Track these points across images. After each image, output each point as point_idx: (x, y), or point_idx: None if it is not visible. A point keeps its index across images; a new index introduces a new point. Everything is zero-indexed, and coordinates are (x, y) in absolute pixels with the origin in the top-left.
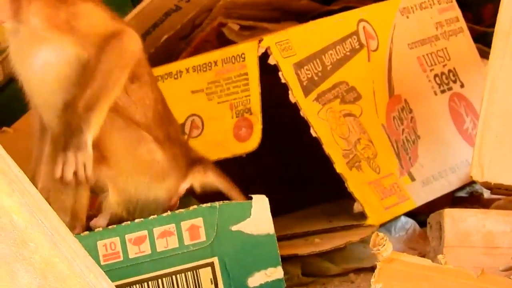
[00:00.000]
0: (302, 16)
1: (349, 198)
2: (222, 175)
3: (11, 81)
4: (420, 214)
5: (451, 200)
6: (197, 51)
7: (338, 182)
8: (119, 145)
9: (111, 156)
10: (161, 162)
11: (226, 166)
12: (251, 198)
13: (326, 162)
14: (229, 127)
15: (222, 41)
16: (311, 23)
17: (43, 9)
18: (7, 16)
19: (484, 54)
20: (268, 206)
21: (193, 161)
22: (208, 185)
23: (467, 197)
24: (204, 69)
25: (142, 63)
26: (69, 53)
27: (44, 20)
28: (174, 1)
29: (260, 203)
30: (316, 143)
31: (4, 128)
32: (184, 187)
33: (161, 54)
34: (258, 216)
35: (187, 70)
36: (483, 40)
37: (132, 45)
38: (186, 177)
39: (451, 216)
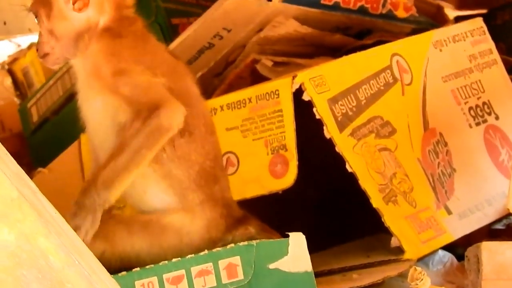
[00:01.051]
0: (335, 51)
1: (386, 233)
2: (263, 227)
3: (45, 122)
4: (457, 247)
5: (488, 232)
6: (231, 88)
7: (374, 216)
8: (141, 245)
9: (133, 255)
10: (191, 234)
11: (262, 203)
12: (287, 236)
13: (362, 196)
14: (264, 163)
15: (256, 77)
16: (345, 58)
17: (95, 56)
18: (71, 54)
19: None
20: (305, 243)
21: (235, 221)
22: (248, 239)
23: (504, 229)
24: (239, 106)
25: (196, 115)
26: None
27: (93, 68)
28: (207, 39)
29: (297, 241)
30: (352, 178)
31: (39, 169)
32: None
33: None
34: (295, 253)
35: (222, 108)
36: None
37: (168, 122)
38: (224, 240)
39: (489, 249)
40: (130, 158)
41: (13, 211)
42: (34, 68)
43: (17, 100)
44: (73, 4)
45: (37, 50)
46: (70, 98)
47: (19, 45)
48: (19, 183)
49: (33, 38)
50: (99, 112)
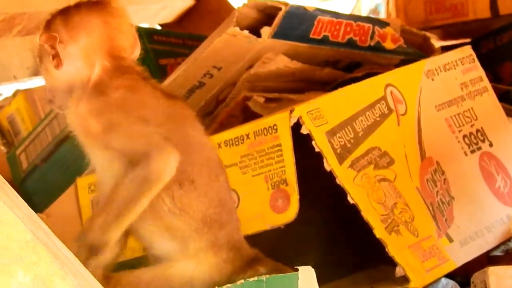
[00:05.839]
0: (326, 85)
1: (387, 264)
2: (276, 266)
3: (35, 168)
4: (456, 276)
5: (487, 259)
6: (222, 126)
7: (374, 249)
8: None
9: None
10: (194, 281)
11: (265, 238)
12: (297, 270)
13: (361, 229)
14: (265, 199)
15: (247, 115)
16: (340, 91)
17: (84, 116)
18: (66, 105)
19: (509, 112)
20: (315, 277)
21: (244, 263)
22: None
23: (503, 255)
24: (237, 143)
25: (198, 162)
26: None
27: (84, 128)
28: (198, 78)
29: (307, 274)
30: (352, 211)
31: (38, 214)
32: None
33: None
34: (305, 287)
35: (219, 145)
36: (505, 99)
37: (158, 171)
38: (232, 283)
39: (496, 274)
40: (122, 209)
41: (28, 253)
42: (20, 116)
43: (3, 149)
44: (52, 60)
45: None
46: (60, 144)
47: (0, 94)
48: (32, 225)
49: (18, 85)
50: (98, 165)
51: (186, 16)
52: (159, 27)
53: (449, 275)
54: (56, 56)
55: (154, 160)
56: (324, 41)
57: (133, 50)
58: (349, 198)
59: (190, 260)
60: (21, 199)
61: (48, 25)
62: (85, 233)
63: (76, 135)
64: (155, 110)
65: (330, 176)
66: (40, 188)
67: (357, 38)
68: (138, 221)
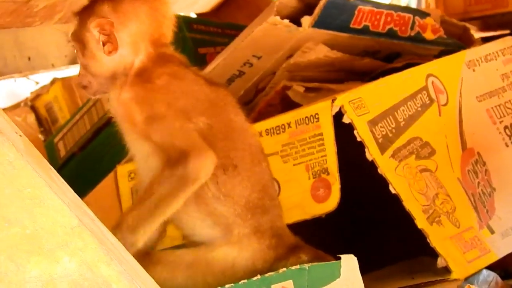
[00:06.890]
0: (364, 75)
1: (428, 255)
2: (317, 254)
3: (73, 156)
4: (495, 268)
5: None
6: (261, 116)
7: (416, 238)
8: (186, 283)
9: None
10: (236, 267)
11: (305, 227)
12: (339, 258)
13: (402, 219)
14: (306, 188)
15: (286, 104)
16: (382, 80)
17: (128, 103)
18: (109, 89)
19: None
20: (357, 265)
21: (287, 250)
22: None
23: None
24: (278, 131)
25: (240, 147)
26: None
27: (127, 115)
28: (238, 67)
29: (349, 263)
30: (389, 201)
31: None
32: None
33: None
34: (347, 275)
35: (260, 134)
36: None
37: (195, 172)
38: (274, 270)
39: None
40: (156, 206)
41: (74, 239)
42: (57, 104)
43: (41, 137)
44: (103, 46)
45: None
46: (98, 132)
47: (37, 82)
48: (78, 211)
49: (56, 74)
50: (136, 154)
51: (223, 5)
52: (195, 17)
53: (487, 267)
54: (109, 41)
55: (192, 160)
56: (364, 31)
57: (170, 37)
58: (390, 188)
59: (233, 246)
60: (67, 185)
61: (94, 11)
62: (117, 230)
63: (117, 122)
64: (198, 97)
65: (371, 165)
66: (77, 176)
67: (397, 29)
68: (182, 208)
